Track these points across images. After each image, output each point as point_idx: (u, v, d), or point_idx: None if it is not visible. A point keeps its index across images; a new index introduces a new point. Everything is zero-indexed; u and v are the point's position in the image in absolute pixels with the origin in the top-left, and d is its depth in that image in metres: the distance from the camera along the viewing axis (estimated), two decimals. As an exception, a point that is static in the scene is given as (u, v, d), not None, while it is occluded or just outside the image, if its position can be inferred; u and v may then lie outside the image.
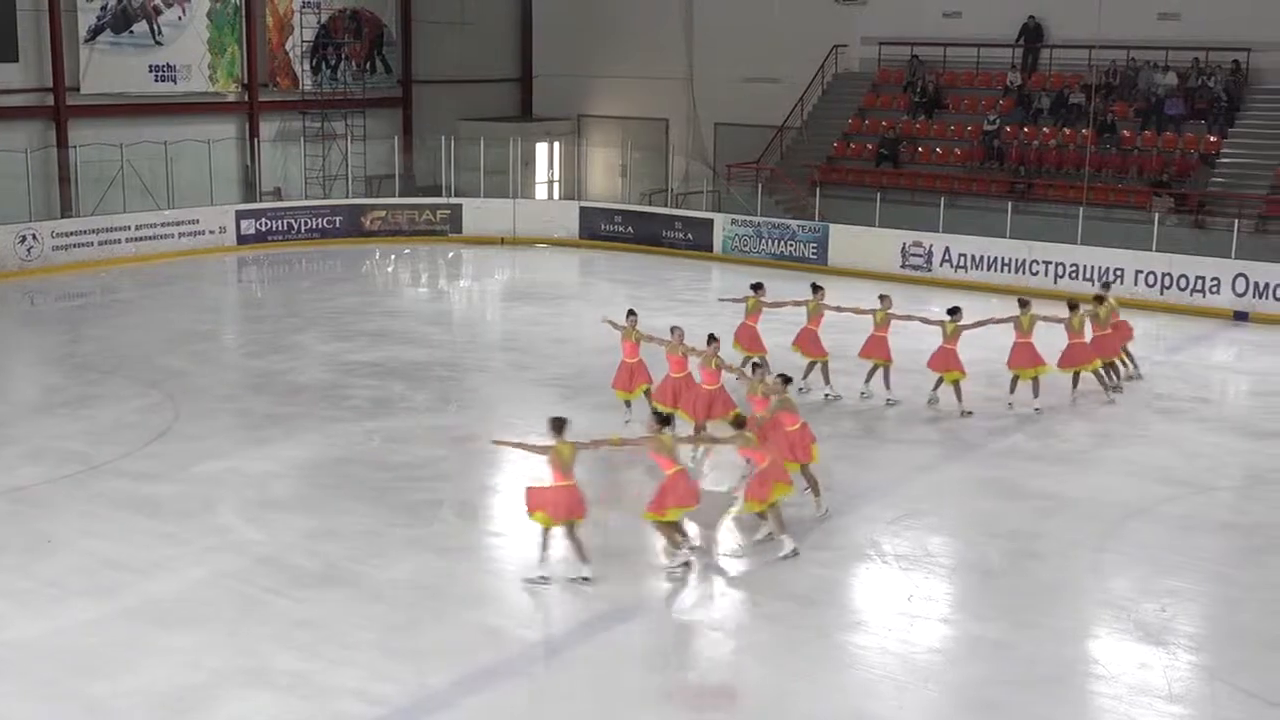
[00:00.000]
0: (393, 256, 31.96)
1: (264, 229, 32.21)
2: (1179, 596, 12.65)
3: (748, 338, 19.12)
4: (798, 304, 19.25)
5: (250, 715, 10.15)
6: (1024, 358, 18.44)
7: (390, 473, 15.75)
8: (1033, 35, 33.11)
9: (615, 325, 17.57)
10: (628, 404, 17.45)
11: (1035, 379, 18.42)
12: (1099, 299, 19.54)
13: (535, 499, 12.62)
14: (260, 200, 33.70)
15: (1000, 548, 13.84)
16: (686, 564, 12.89)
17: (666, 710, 10.32)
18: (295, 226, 32.57)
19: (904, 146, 32.85)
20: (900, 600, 12.47)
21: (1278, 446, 17.31)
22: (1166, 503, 15.11)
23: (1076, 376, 18.87)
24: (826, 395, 18.81)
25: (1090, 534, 14.09)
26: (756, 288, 19.61)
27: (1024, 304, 18.78)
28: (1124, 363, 19.97)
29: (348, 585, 12.50)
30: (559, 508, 12.41)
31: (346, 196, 34.79)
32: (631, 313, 17.56)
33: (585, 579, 12.39)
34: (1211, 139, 29.95)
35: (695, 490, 13.03)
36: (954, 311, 18.43)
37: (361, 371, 20.40)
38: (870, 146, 33.29)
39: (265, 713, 10.17)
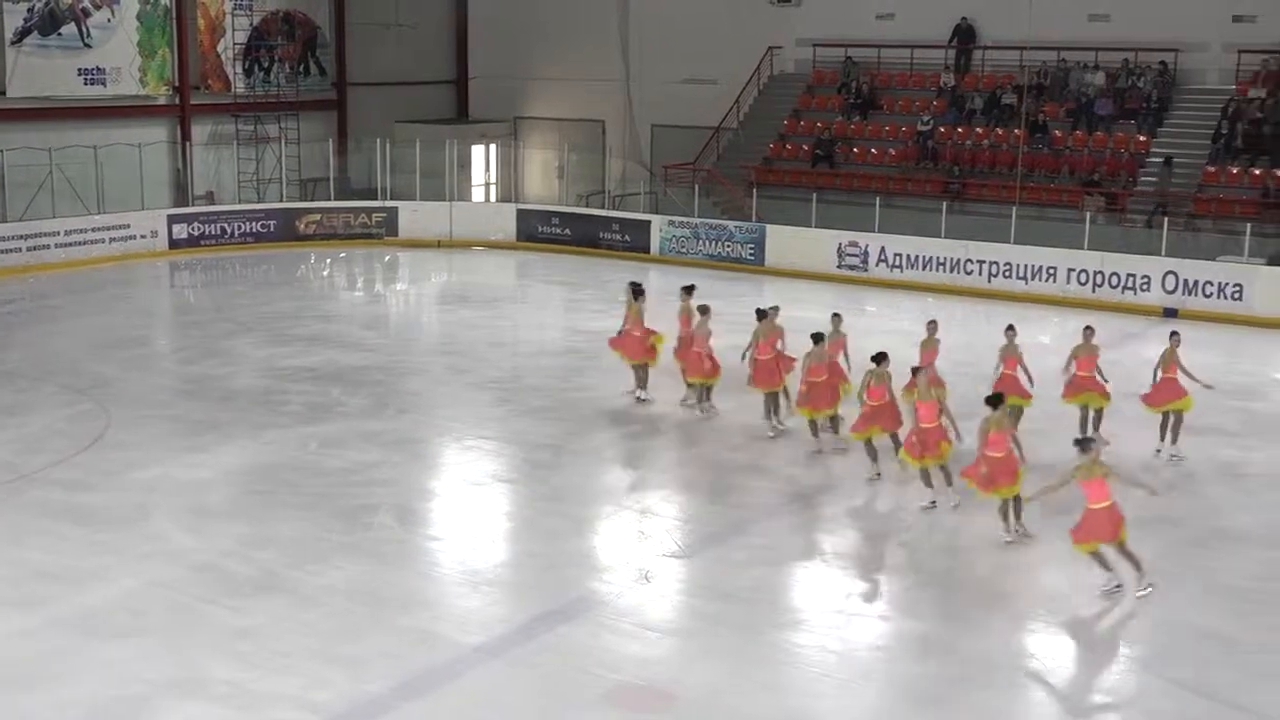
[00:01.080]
0: (328, 260, 31.70)
1: (196, 233, 31.83)
2: (1111, 591, 12.80)
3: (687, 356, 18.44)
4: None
5: (185, 725, 10.05)
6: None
7: (327, 478, 15.60)
8: (965, 36, 33.41)
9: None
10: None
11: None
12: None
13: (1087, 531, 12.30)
14: (192, 204, 33.27)
15: (937, 545, 13.95)
16: (1118, 587, 12.42)
17: (606, 712, 10.29)
18: (228, 231, 32.22)
19: (839, 147, 33.04)
20: (839, 598, 12.53)
21: (1208, 441, 17.52)
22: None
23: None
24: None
25: (1029, 529, 14.24)
26: (688, 290, 19.45)
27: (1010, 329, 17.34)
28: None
29: (285, 592, 12.36)
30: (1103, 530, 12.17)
31: (280, 200, 34.41)
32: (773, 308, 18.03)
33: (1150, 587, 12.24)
34: (1141, 139, 30.36)
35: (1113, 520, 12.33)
36: (931, 324, 17.68)
37: (297, 376, 20.21)
38: (806, 147, 33.46)
39: (200, 723, 10.08)
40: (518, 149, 38.99)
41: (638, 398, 18.60)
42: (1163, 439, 16.69)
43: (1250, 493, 15.62)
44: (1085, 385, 17.02)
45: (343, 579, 12.69)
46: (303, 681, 10.64)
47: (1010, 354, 17.01)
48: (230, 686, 10.57)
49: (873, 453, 15.54)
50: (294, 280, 29.34)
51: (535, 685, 10.76)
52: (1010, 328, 17.39)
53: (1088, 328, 17.51)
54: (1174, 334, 17.06)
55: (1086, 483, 12.18)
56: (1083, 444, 12.52)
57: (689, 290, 19.36)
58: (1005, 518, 13.75)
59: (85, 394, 18.93)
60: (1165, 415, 16.60)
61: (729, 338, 19.27)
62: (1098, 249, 26.72)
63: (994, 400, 13.96)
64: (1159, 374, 16.76)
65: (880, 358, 15.37)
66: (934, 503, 14.56)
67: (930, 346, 17.31)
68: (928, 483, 14.57)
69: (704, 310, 18.10)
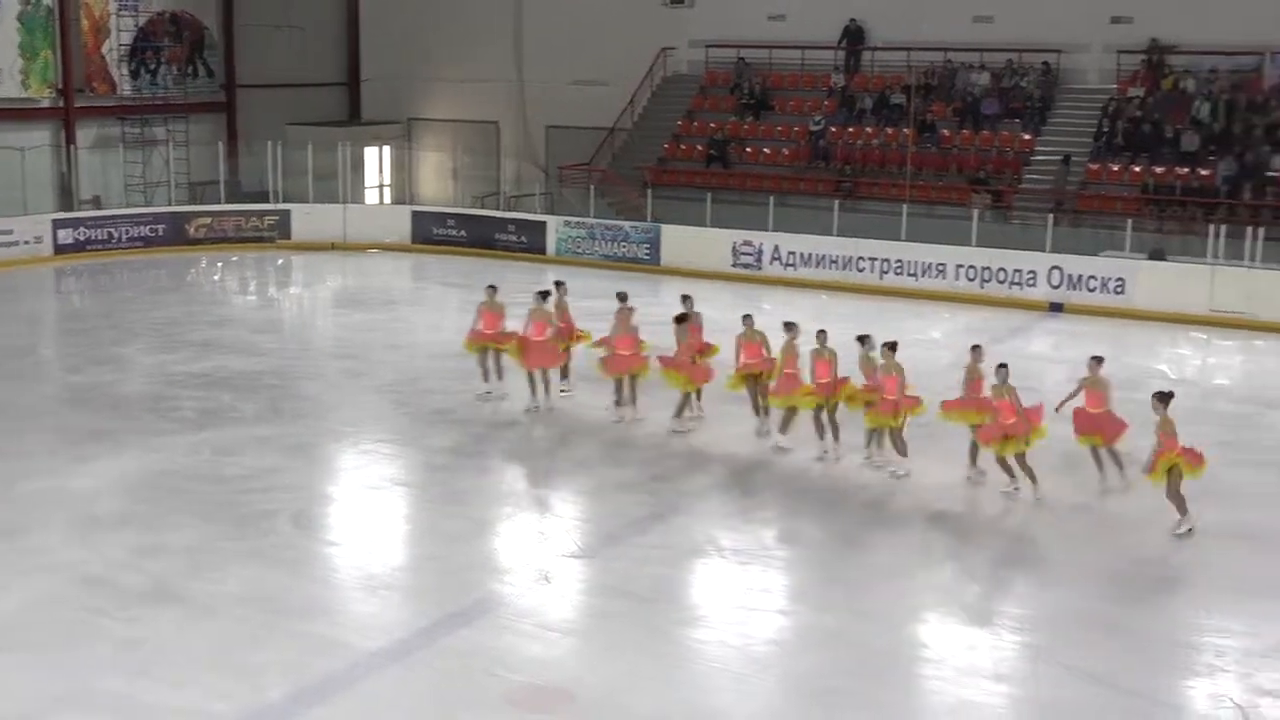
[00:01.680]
0: (219, 265, 31.19)
1: (83, 238, 31.13)
2: (1003, 580, 13.05)
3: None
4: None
5: (75, 740, 9.85)
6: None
7: (221, 485, 15.33)
8: (854, 37, 33.80)
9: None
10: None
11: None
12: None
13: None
14: (78, 209, 32.54)
15: (834, 538, 14.10)
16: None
17: (506, 713, 10.25)
18: (116, 235, 31.57)
19: (732, 147, 33.26)
20: (738, 594, 12.62)
21: (1094, 432, 17.92)
22: (984, 489, 15.54)
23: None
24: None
25: (917, 522, 14.45)
26: (558, 285, 19.62)
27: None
28: None
29: (179, 602, 12.12)
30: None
31: (169, 204, 33.78)
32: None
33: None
34: (1025, 137, 30.95)
35: None
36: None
37: (188, 383, 19.86)
38: (700, 148, 33.63)
39: (93, 737, 9.88)
40: (411, 151, 38.71)
41: (530, 407, 18.44)
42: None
43: (1133, 480, 15.95)
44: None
45: (239, 587, 12.49)
46: (198, 692, 10.45)
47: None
48: (122, 700, 10.34)
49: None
50: (184, 285, 28.79)
51: (435, 688, 10.69)
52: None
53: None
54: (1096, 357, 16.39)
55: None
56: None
57: (559, 285, 19.76)
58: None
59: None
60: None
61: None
62: (985, 246, 27.19)
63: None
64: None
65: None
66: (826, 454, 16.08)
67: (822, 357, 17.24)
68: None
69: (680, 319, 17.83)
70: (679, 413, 17.34)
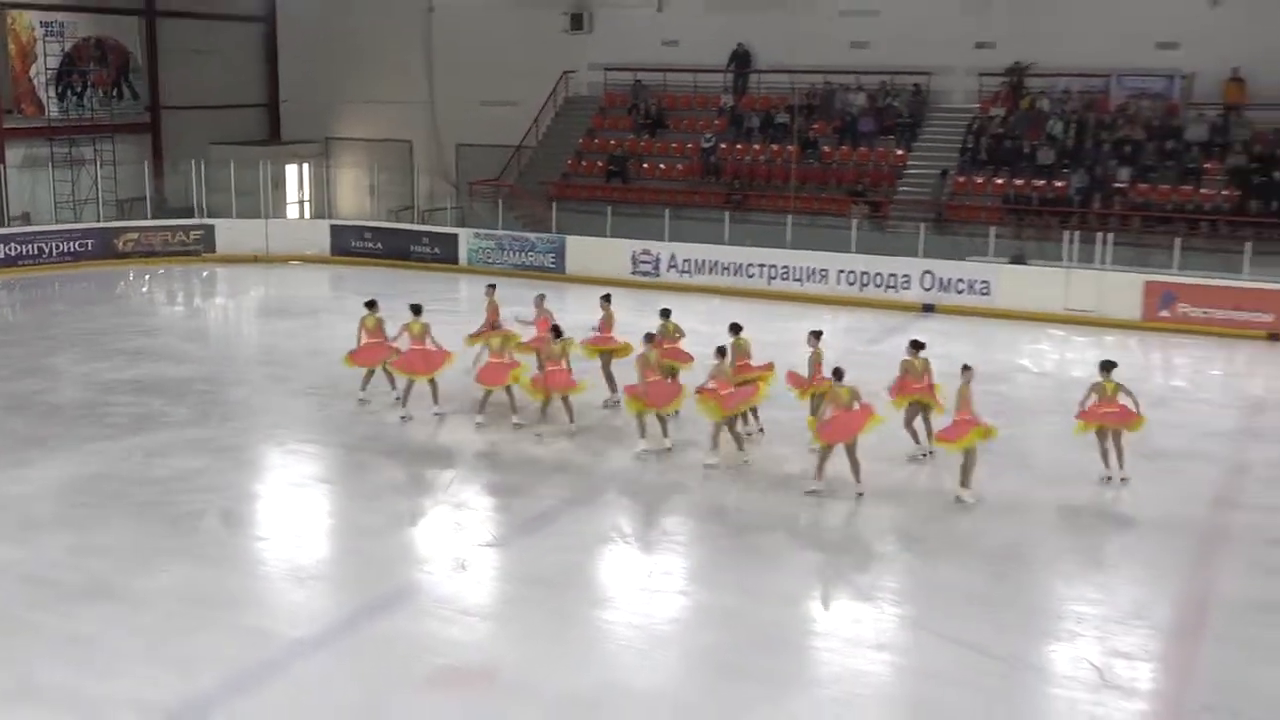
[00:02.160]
0: (147, 277, 30.59)
1: (13, 253, 30.34)
2: (885, 558, 13.24)
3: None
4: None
5: (19, 731, 9.63)
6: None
7: (153, 486, 15.06)
8: (742, 61, 34.04)
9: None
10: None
11: None
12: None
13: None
14: (8, 225, 31.72)
15: (727, 525, 14.22)
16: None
17: (427, 694, 10.22)
18: (46, 250, 30.82)
19: (631, 163, 33.33)
20: (641, 577, 12.68)
21: (963, 421, 18.23)
22: (871, 477, 15.68)
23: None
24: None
25: (805, 506, 14.61)
26: (491, 288, 20.09)
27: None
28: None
29: (115, 598, 11.90)
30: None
31: (98, 220, 33.03)
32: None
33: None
34: (899, 152, 31.39)
35: None
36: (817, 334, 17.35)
37: (120, 389, 19.48)
38: (600, 164, 33.64)
39: (35, 727, 9.67)
40: (329, 168, 38.26)
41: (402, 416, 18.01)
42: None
43: (1000, 468, 16.27)
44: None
45: (172, 582, 12.29)
46: (135, 682, 10.29)
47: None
48: (62, 691, 10.15)
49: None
50: (114, 297, 28.22)
51: (361, 672, 10.61)
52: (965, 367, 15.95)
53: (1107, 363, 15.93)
54: (966, 368, 16.08)
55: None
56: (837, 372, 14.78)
57: (491, 288, 20.04)
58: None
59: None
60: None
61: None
62: (863, 252, 27.53)
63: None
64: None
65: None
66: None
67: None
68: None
69: (650, 339, 17.18)
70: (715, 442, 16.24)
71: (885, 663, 10.91)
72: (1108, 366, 15.46)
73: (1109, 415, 15.31)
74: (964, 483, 14.75)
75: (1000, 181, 29.56)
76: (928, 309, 26.46)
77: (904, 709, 10.20)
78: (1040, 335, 24.68)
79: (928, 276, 26.68)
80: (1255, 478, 16.03)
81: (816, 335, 17.02)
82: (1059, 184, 28.96)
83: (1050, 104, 30.40)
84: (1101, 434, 15.40)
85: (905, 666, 10.91)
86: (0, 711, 9.86)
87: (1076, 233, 26.24)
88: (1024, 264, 26.67)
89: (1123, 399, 15.39)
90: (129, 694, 10.10)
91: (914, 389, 16.38)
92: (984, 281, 26.28)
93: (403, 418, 17.82)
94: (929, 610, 11.91)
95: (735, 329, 17.53)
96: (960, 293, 26.42)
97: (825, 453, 14.87)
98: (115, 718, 9.77)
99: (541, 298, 19.83)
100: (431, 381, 17.84)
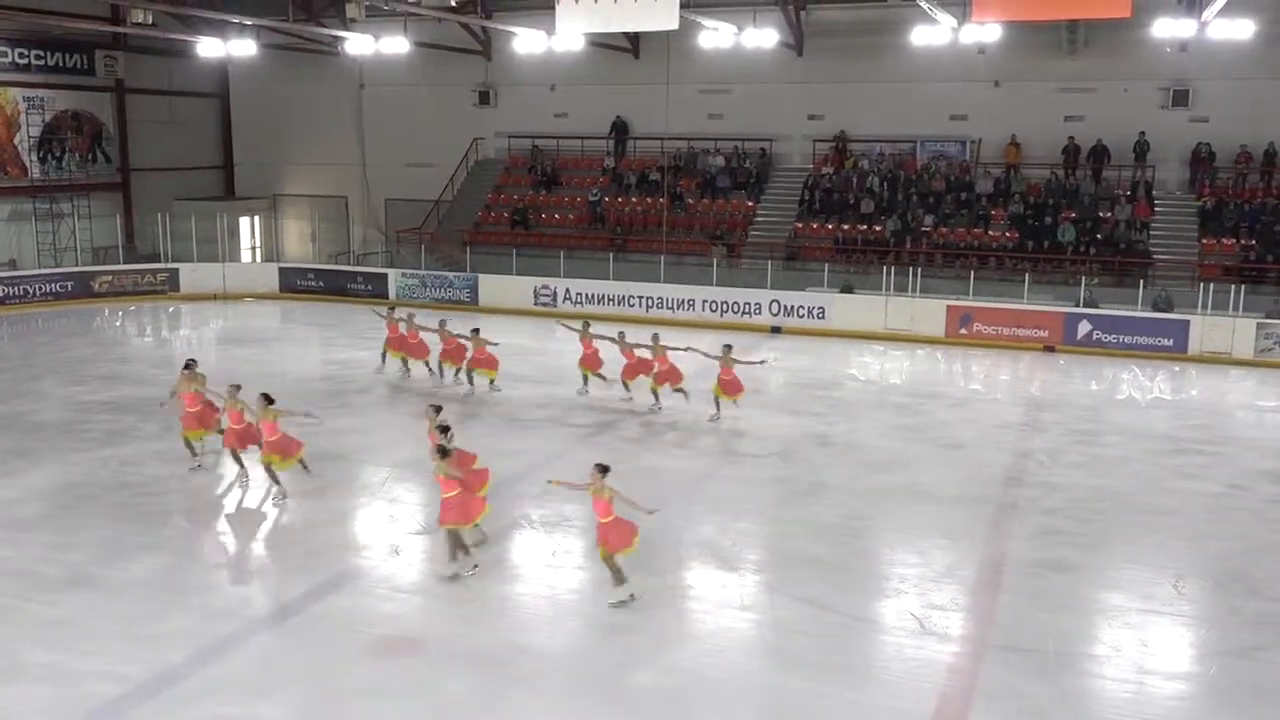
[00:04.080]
0: (120, 313, 29.50)
1: (2, 295, 29.03)
2: (745, 534, 13.30)
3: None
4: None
5: (9, 703, 9.13)
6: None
7: (126, 490, 14.50)
8: (621, 130, 34.12)
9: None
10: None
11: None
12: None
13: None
14: (-2, 270, 30.47)
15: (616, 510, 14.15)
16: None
17: (365, 659, 9.97)
18: (30, 291, 29.54)
19: (531, 213, 33.16)
20: (546, 556, 12.54)
21: (804, 421, 18.45)
22: (732, 467, 15.85)
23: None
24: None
25: (681, 493, 14.60)
26: (391, 308, 20.20)
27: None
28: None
29: (93, 587, 11.42)
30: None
31: (76, 265, 31.82)
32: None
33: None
34: (749, 203, 31.73)
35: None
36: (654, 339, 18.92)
37: (97, 409, 18.73)
38: (506, 214, 33.42)
39: (22, 700, 9.18)
40: (277, 219, 37.39)
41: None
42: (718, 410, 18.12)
43: (835, 455, 16.50)
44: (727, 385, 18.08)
45: (144, 572, 11.83)
46: (111, 659, 9.87)
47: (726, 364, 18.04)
48: (46, 668, 9.70)
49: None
50: (91, 330, 27.12)
51: (311, 644, 10.33)
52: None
53: (726, 345, 18.43)
54: (727, 345, 18.45)
55: (596, 499, 11.14)
56: (600, 468, 11.16)
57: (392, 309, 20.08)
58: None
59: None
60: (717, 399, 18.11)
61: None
62: (723, 284, 27.73)
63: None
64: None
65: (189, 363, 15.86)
66: None
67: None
68: None
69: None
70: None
71: (748, 620, 10.93)
72: (728, 348, 17.87)
73: (729, 383, 17.71)
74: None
75: (830, 226, 30.03)
76: (775, 330, 26.72)
77: (764, 659, 10.21)
78: (865, 350, 25.12)
79: (775, 304, 26.95)
80: (1035, 461, 16.45)
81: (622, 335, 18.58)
82: (878, 228, 29.52)
83: (869, 164, 31.00)
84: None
85: (764, 622, 10.94)
86: (-8, 689, 9.38)
87: (892, 267, 26.74)
88: (852, 293, 27.08)
89: (737, 370, 17.74)
90: (106, 669, 9.69)
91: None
92: (820, 307, 26.63)
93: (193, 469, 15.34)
94: (781, 576, 12.00)
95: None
96: (802, 317, 26.73)
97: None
98: (94, 689, 9.35)
99: (443, 322, 19.91)
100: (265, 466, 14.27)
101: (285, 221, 37.39)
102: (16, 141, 32.40)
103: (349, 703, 9.27)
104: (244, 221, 36.65)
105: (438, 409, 13.75)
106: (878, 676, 9.85)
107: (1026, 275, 26.12)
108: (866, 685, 9.67)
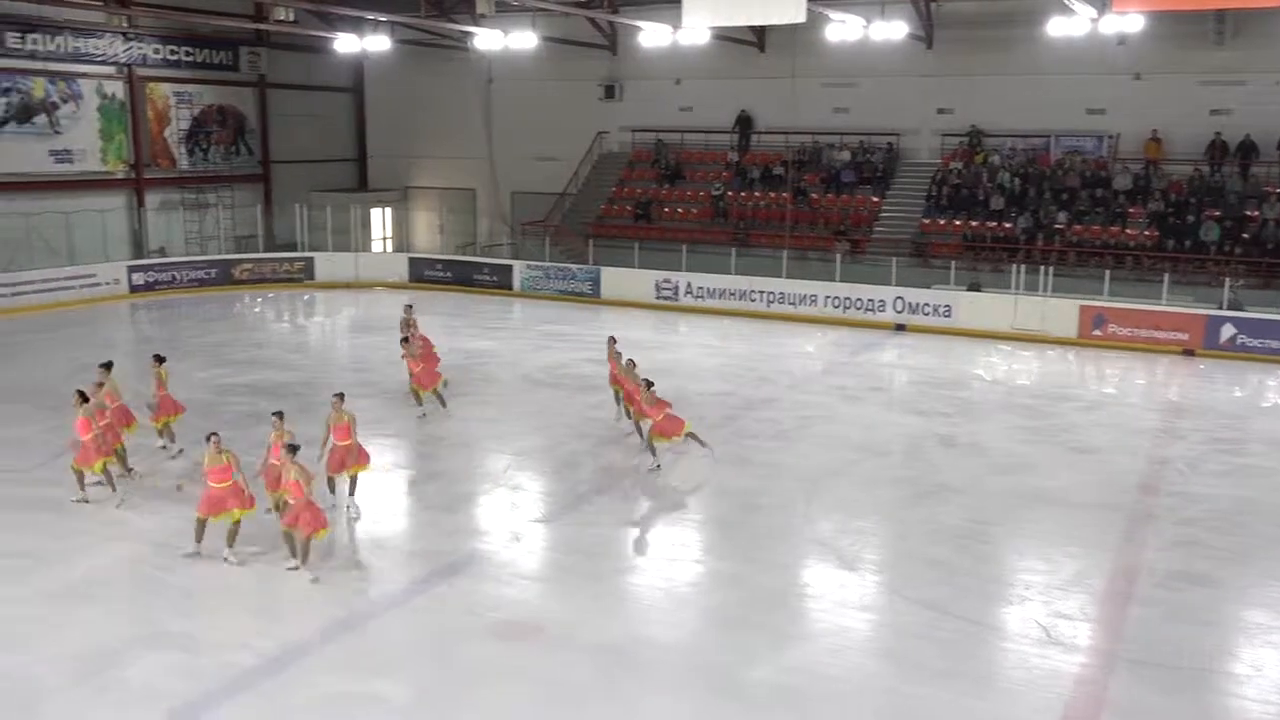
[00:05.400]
0: (259, 299, 30.67)
1: (151, 280, 30.49)
2: (865, 533, 13.09)
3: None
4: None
5: (149, 669, 9.55)
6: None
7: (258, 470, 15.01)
8: (745, 124, 33.91)
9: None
10: None
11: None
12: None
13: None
14: (147, 257, 31.93)
15: (735, 503, 14.07)
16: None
17: (486, 642, 10.13)
18: (178, 278, 30.93)
19: (654, 207, 33.23)
20: (664, 548, 12.56)
21: (929, 421, 18.02)
22: (854, 465, 15.59)
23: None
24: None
25: (800, 490, 14.44)
26: (408, 308, 20.06)
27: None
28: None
29: (226, 562, 11.81)
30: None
31: (220, 253, 33.19)
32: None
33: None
34: (875, 199, 31.20)
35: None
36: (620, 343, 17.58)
37: (235, 391, 19.48)
38: (629, 208, 33.56)
39: (162, 666, 9.59)
40: (408, 211, 38.36)
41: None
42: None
43: (959, 456, 16.12)
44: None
45: (276, 549, 12.23)
46: (246, 631, 10.25)
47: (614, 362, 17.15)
48: (185, 637, 10.13)
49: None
50: (231, 316, 28.25)
51: (433, 624, 10.55)
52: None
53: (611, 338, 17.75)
54: (611, 338, 17.70)
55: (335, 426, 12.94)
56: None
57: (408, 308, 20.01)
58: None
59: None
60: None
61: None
62: (846, 281, 27.35)
63: None
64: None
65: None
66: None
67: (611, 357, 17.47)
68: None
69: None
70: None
71: (867, 621, 10.76)
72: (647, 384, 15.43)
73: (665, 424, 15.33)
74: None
75: (959, 223, 29.32)
76: (899, 328, 26.23)
77: (883, 661, 10.02)
78: (992, 350, 24.42)
79: (899, 301, 26.46)
80: (1172, 468, 15.77)
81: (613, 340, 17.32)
82: (1008, 225, 28.69)
83: (1000, 159, 30.15)
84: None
85: (883, 624, 10.75)
86: (135, 652, 9.83)
87: (1023, 265, 25.97)
88: (980, 291, 26.40)
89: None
90: (238, 640, 10.05)
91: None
92: (946, 305, 26.03)
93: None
94: (901, 578, 11.77)
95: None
96: (927, 314, 26.17)
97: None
98: (228, 659, 9.71)
99: (409, 307, 19.89)
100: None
101: (415, 213, 38.33)
102: (166, 134, 33.91)
103: (470, 684, 9.43)
104: (376, 213, 37.68)
105: (282, 415, 13.03)
106: (1000, 685, 9.57)
107: (1165, 276, 25.02)
108: (988, 693, 9.41)
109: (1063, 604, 11.01)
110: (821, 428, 17.54)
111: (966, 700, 9.24)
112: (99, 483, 13.68)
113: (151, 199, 33.33)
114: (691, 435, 15.19)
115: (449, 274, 32.32)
